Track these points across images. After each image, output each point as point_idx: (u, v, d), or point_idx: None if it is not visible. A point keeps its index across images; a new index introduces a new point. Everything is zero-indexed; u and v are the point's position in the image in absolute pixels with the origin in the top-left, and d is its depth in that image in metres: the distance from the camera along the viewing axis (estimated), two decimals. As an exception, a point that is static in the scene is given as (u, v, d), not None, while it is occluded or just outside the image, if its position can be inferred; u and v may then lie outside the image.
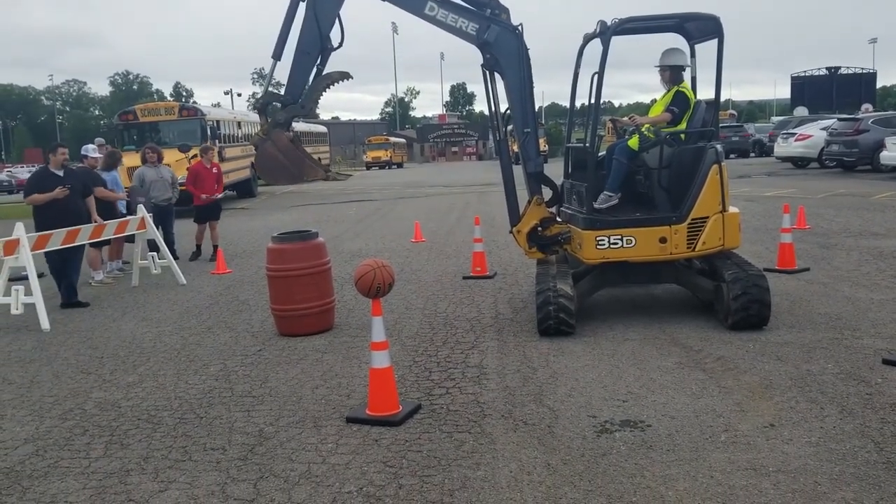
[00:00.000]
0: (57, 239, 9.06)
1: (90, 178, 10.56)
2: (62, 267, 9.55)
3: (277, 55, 7.23)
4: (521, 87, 7.36)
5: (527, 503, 3.83)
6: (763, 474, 4.00)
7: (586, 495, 3.88)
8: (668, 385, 5.46)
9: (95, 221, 9.82)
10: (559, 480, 4.06)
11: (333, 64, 7.41)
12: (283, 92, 7.49)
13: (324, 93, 7.29)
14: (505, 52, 7.31)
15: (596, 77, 7.22)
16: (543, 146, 39.25)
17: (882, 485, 3.82)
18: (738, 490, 3.85)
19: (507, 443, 4.60)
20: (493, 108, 7.75)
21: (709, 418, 4.80)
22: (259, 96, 7.15)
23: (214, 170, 13.17)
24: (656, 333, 6.83)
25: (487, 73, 7.56)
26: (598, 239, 6.99)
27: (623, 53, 8.78)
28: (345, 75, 7.32)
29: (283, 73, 7.37)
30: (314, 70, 7.27)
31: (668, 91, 7.48)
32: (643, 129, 7.37)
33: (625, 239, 6.98)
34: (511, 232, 7.82)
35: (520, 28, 7.30)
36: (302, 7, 7.18)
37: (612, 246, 6.99)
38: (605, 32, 7.01)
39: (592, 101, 7.31)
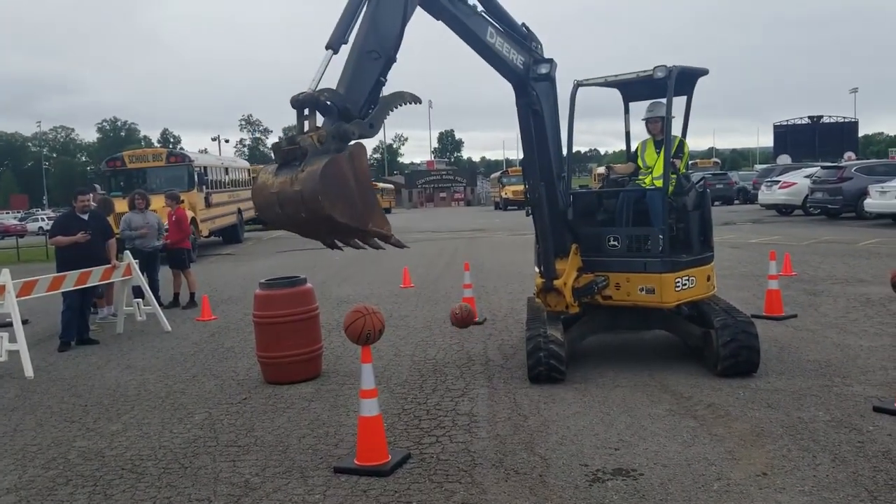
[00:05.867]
0: (43, 285, 9.04)
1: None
2: (81, 305, 10.00)
3: (335, 45, 5.27)
4: (558, 127, 7.14)
5: (519, 555, 3.76)
6: (757, 524, 3.96)
7: (579, 547, 3.81)
8: (659, 433, 5.42)
9: (113, 264, 10.34)
10: (551, 531, 4.00)
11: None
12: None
13: (389, 113, 5.45)
14: (544, 90, 6.92)
15: (665, 121, 7.41)
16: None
17: (877, 534, 3.78)
18: (732, 540, 3.79)
19: (499, 493, 4.53)
20: (534, 151, 6.97)
21: (701, 467, 4.76)
22: (307, 90, 5.00)
23: (173, 217, 13.13)
24: (646, 380, 6.81)
25: (524, 112, 6.89)
26: (676, 281, 7.00)
27: (599, 100, 8.83)
28: (416, 99, 5.57)
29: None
30: (376, 81, 5.41)
31: (661, 140, 7.62)
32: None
33: (690, 279, 7.11)
34: (546, 288, 7.20)
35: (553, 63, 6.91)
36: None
37: (683, 288, 7.05)
38: (669, 76, 6.88)
39: (663, 147, 7.43)
